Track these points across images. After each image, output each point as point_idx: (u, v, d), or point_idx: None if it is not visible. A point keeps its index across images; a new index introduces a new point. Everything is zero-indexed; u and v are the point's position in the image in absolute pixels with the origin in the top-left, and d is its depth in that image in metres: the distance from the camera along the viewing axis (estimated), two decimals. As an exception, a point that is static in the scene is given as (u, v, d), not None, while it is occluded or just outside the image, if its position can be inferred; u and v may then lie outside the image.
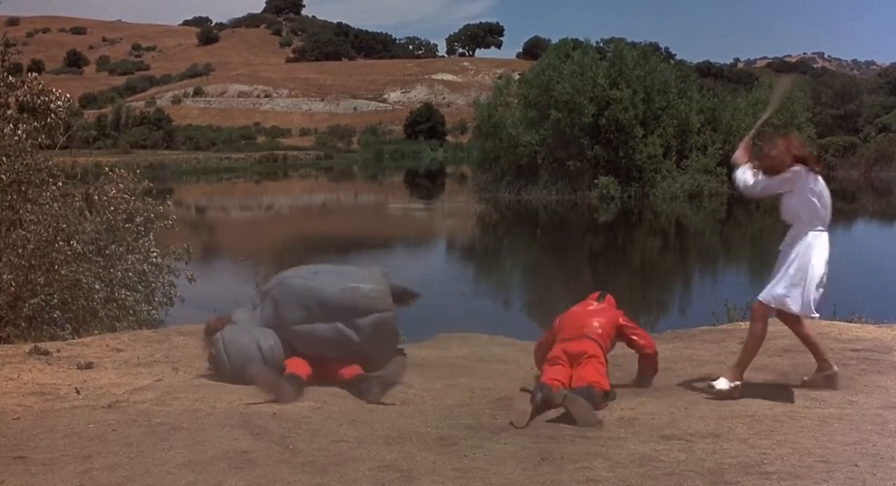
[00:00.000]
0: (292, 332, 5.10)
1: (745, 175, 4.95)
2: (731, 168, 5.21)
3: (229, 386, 4.86)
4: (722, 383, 4.65)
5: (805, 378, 4.86)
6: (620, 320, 5.12)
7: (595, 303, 5.28)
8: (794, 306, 4.66)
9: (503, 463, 3.54)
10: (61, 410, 4.46)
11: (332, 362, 5.18)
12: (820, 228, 4.80)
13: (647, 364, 5.10)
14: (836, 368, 4.79)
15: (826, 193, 4.80)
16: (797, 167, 4.70)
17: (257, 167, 74.13)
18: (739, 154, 5.12)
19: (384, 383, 4.69)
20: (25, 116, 8.37)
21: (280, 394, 4.64)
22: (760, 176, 4.86)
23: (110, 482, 3.32)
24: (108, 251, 8.55)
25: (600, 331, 4.95)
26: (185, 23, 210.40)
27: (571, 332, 4.98)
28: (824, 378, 4.76)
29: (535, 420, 4.26)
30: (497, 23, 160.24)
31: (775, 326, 6.90)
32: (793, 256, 4.70)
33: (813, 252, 4.71)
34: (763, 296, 4.74)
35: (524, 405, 4.33)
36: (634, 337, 5.08)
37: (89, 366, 5.43)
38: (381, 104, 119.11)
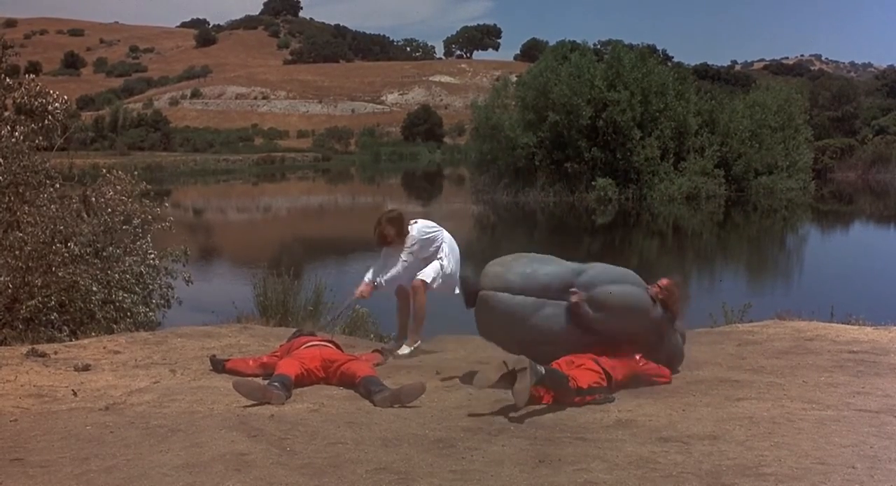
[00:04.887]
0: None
1: None
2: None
3: (227, 388, 4.86)
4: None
5: None
6: (640, 363, 5.07)
7: None
8: None
9: (501, 465, 3.54)
10: (58, 412, 4.45)
11: (345, 359, 5.29)
12: None
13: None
14: None
15: None
16: None
17: (255, 169, 74.09)
18: None
19: (395, 396, 4.70)
20: (23, 117, 8.35)
21: (268, 397, 4.67)
22: None
23: (108, 485, 3.32)
24: (105, 253, 8.53)
25: (612, 363, 4.94)
26: (183, 24, 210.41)
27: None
28: None
29: (530, 423, 4.26)
30: (494, 25, 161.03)
31: (774, 328, 6.91)
32: None
33: None
34: None
35: (492, 370, 4.39)
36: (654, 380, 5.07)
37: (87, 368, 5.42)
38: (378, 106, 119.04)
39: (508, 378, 4.34)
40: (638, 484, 3.29)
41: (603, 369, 4.83)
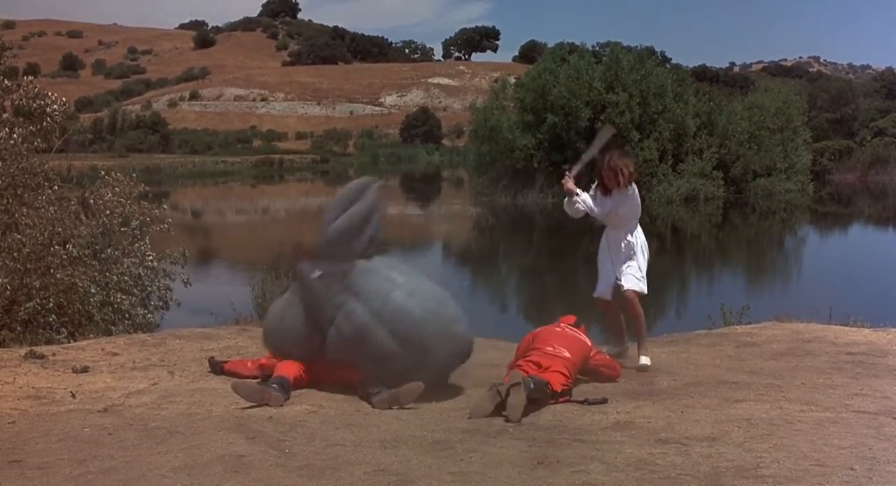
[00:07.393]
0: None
1: None
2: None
3: (225, 390, 4.86)
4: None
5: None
6: (591, 353, 5.29)
7: (570, 327, 5.38)
8: None
9: (499, 467, 3.54)
10: (57, 414, 4.45)
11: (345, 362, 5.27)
12: None
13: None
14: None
15: None
16: None
17: (253, 171, 73.99)
18: None
19: (393, 397, 4.70)
20: (21, 119, 8.34)
21: (266, 399, 4.67)
22: None
23: (106, 487, 3.32)
24: (103, 255, 8.53)
25: (573, 359, 5.06)
26: (182, 26, 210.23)
27: (544, 346, 5.11)
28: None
29: (529, 425, 4.26)
30: (493, 26, 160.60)
31: (773, 330, 6.92)
32: None
33: None
34: None
35: (487, 399, 4.43)
36: (602, 371, 5.31)
37: (85, 370, 5.42)
38: (377, 108, 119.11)
39: (503, 402, 4.41)
40: (636, 486, 3.30)
41: (568, 371, 4.94)
